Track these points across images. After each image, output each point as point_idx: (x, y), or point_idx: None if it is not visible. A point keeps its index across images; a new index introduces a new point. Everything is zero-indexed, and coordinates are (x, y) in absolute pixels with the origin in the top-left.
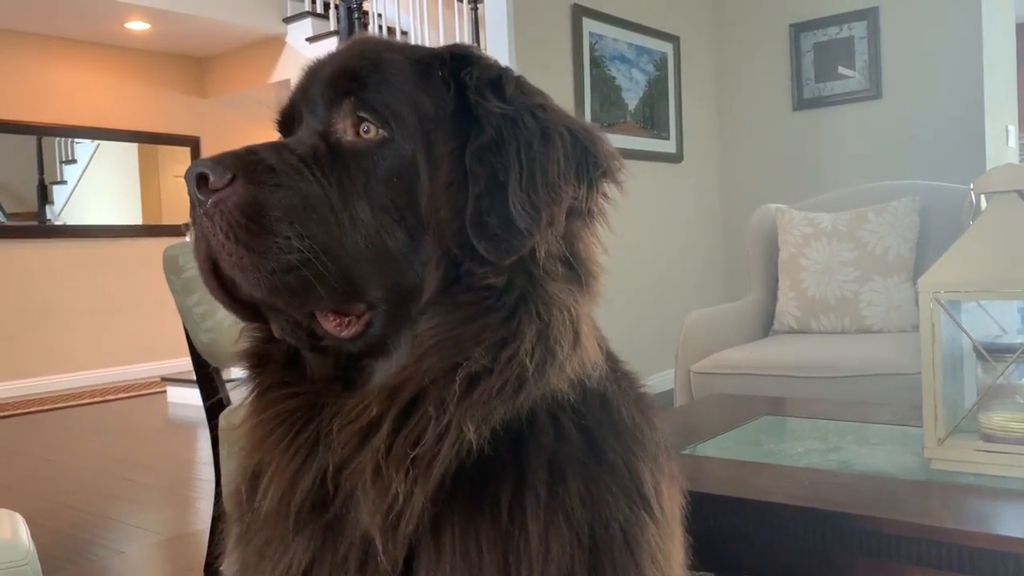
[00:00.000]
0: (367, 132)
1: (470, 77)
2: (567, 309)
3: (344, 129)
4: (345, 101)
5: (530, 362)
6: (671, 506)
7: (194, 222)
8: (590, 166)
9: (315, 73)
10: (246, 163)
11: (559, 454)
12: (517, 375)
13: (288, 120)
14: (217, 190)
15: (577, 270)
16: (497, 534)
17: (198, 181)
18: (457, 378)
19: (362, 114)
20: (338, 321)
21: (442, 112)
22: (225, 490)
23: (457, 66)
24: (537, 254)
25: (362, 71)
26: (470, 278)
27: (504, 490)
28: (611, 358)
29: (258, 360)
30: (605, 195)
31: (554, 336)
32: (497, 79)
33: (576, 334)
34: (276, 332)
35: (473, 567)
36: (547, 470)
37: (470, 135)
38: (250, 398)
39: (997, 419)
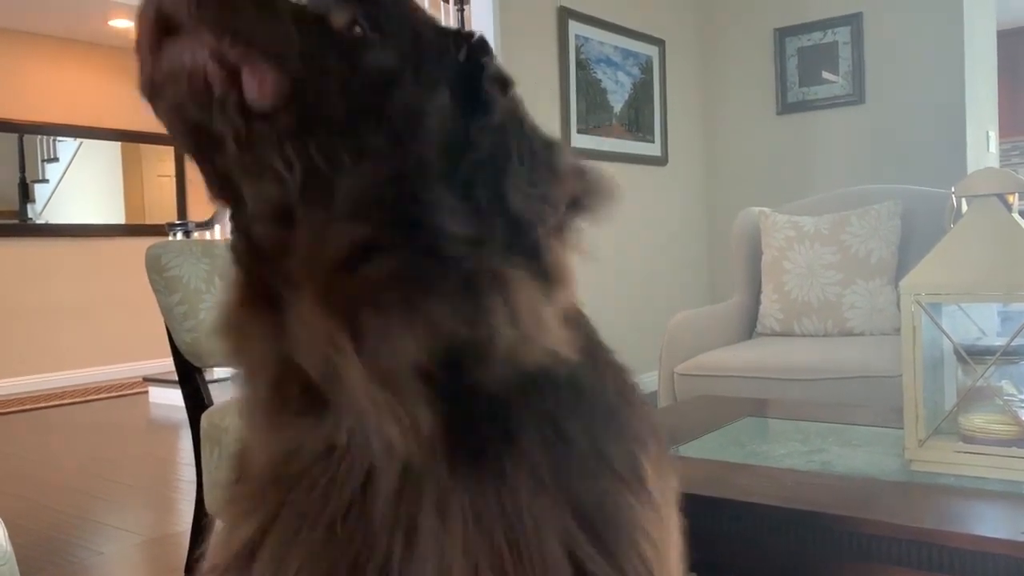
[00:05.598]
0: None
1: (488, 64)
2: (540, 287)
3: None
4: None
5: (501, 324)
6: (668, 495)
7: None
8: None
9: None
10: None
11: (554, 429)
12: (487, 335)
13: None
14: None
15: (548, 267)
16: (493, 506)
17: None
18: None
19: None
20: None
21: (445, 59)
22: (211, 481)
23: (472, 47)
24: (525, 237)
25: None
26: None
27: (493, 460)
28: (602, 348)
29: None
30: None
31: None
32: (507, 83)
33: (555, 308)
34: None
35: (470, 537)
36: (541, 445)
37: (463, 102)
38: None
39: (977, 421)
